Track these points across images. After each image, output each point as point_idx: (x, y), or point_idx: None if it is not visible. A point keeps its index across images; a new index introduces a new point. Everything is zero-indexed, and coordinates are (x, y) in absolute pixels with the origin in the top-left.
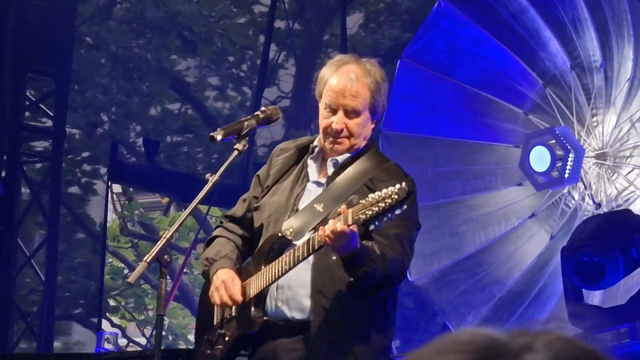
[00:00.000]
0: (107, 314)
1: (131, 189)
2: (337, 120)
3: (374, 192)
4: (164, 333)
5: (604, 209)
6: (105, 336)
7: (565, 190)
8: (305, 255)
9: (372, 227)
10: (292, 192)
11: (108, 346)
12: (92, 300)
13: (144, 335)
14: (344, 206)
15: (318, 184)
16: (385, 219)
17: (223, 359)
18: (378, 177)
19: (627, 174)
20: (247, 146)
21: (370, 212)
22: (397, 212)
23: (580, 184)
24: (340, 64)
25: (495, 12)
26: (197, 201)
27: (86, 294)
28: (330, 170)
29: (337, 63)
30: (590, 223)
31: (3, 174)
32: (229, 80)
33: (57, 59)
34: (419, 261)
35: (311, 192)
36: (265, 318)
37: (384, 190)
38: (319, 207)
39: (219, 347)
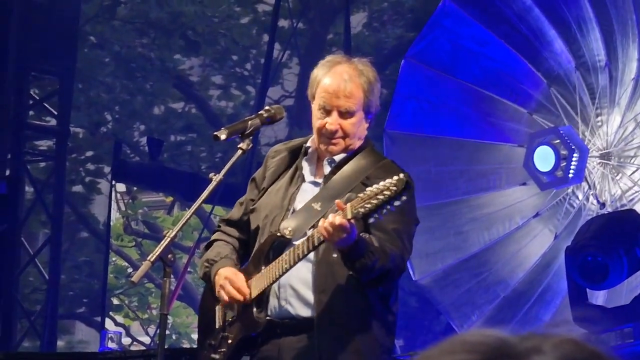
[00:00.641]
0: (110, 312)
1: (135, 188)
2: (332, 121)
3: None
4: (167, 332)
5: (608, 209)
6: (109, 335)
7: (570, 190)
8: (306, 252)
9: (371, 220)
10: (286, 193)
11: (111, 345)
12: (96, 299)
13: (147, 334)
14: (338, 201)
15: (315, 184)
16: (384, 211)
17: None
18: (375, 174)
19: (631, 174)
20: (251, 145)
21: (369, 205)
22: (397, 203)
23: (584, 184)
24: (333, 65)
25: (499, 12)
26: (201, 200)
27: (90, 292)
28: (327, 169)
29: (329, 64)
30: (595, 223)
31: (7, 172)
32: (232, 80)
33: (61, 58)
34: (422, 260)
35: (307, 192)
36: (268, 318)
37: (382, 183)
38: (317, 206)
39: (222, 350)
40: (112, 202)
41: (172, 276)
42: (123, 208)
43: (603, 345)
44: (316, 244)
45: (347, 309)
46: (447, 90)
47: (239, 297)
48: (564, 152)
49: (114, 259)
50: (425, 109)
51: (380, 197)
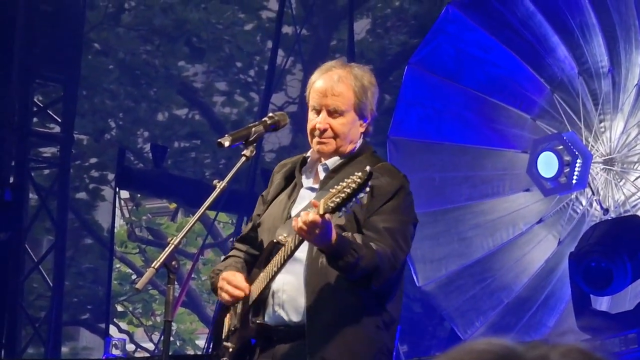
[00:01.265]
0: (114, 319)
1: (139, 195)
2: (320, 120)
3: (369, 193)
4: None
5: (612, 215)
6: (113, 342)
7: (573, 196)
8: (289, 253)
9: (340, 214)
10: (287, 202)
11: (116, 352)
12: (100, 305)
13: (151, 340)
14: (313, 200)
15: (311, 189)
16: (351, 204)
17: None
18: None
19: (634, 180)
20: (254, 152)
21: (337, 200)
22: (361, 195)
23: (587, 190)
24: (327, 69)
25: (502, 18)
26: (205, 207)
27: (94, 299)
28: (322, 175)
29: (324, 68)
30: (598, 229)
31: (11, 179)
32: (236, 86)
33: (65, 65)
34: (426, 266)
35: (304, 198)
36: (259, 322)
37: (350, 177)
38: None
39: (225, 359)
40: (116, 209)
41: (176, 283)
42: (127, 215)
43: (609, 354)
44: (297, 244)
45: (338, 309)
46: (450, 97)
47: (238, 293)
48: (567, 158)
49: (118, 265)
50: (428, 115)
51: (347, 190)
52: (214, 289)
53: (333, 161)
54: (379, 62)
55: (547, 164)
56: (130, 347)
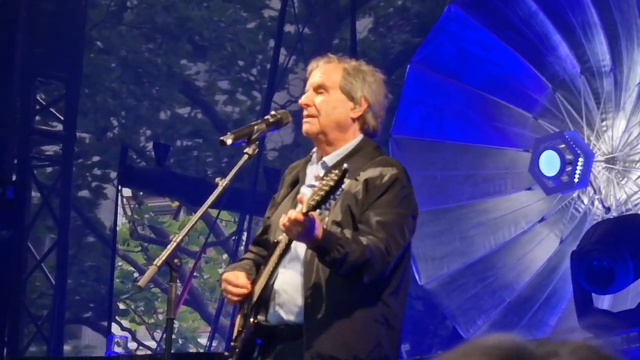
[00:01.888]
0: (117, 317)
1: (141, 193)
2: (304, 96)
3: (363, 186)
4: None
5: (614, 213)
6: (115, 340)
7: (575, 195)
8: (282, 251)
9: (320, 211)
10: (292, 202)
11: (118, 350)
12: (102, 303)
13: (153, 338)
14: (299, 196)
15: (311, 187)
16: (329, 201)
17: None
18: (368, 170)
19: (636, 179)
20: (257, 150)
21: (318, 197)
22: (338, 193)
23: (589, 189)
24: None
25: (504, 17)
26: (207, 205)
27: (96, 297)
28: (321, 172)
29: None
30: (600, 227)
31: (13, 177)
32: (238, 85)
33: (68, 63)
34: (428, 265)
35: (306, 195)
36: (260, 321)
37: (329, 175)
38: None
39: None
40: (119, 207)
41: (178, 281)
42: (129, 213)
43: (618, 351)
44: (289, 241)
45: (334, 305)
46: (452, 95)
47: (240, 291)
48: (569, 156)
49: (120, 263)
50: (431, 113)
51: (325, 188)
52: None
53: (332, 157)
54: (381, 60)
55: (549, 163)
56: (132, 345)
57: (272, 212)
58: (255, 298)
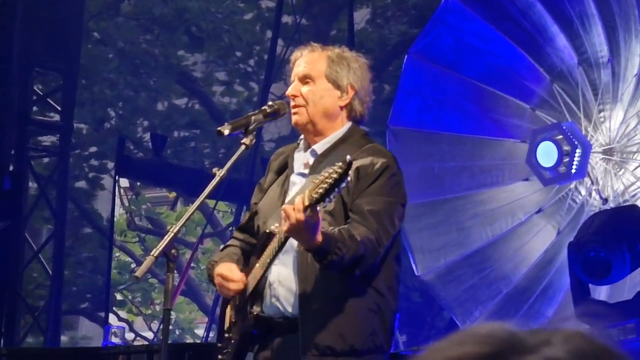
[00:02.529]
0: (114, 308)
1: (138, 184)
2: (290, 87)
3: (354, 174)
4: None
5: (611, 205)
6: (112, 330)
7: (572, 186)
8: (280, 245)
9: (324, 204)
10: (281, 190)
11: (115, 340)
12: (99, 294)
13: (150, 329)
14: (306, 192)
15: (302, 175)
16: (333, 195)
17: None
18: (358, 158)
19: (634, 170)
20: (254, 141)
21: (320, 190)
22: (343, 185)
23: (587, 180)
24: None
25: (502, 8)
26: (204, 196)
27: (93, 288)
28: (311, 160)
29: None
30: (597, 218)
31: (10, 168)
32: (236, 76)
33: (65, 54)
34: (425, 256)
35: (296, 184)
36: (256, 313)
37: (331, 167)
38: None
39: (228, 350)
40: (116, 198)
41: (175, 271)
42: (126, 204)
43: (611, 340)
44: (283, 240)
45: (328, 296)
46: (450, 86)
47: (236, 287)
48: (566, 147)
49: (117, 254)
50: (428, 105)
51: (329, 180)
52: (211, 279)
53: (321, 145)
54: (379, 52)
55: (547, 154)
56: (129, 335)
57: (258, 198)
58: (250, 290)
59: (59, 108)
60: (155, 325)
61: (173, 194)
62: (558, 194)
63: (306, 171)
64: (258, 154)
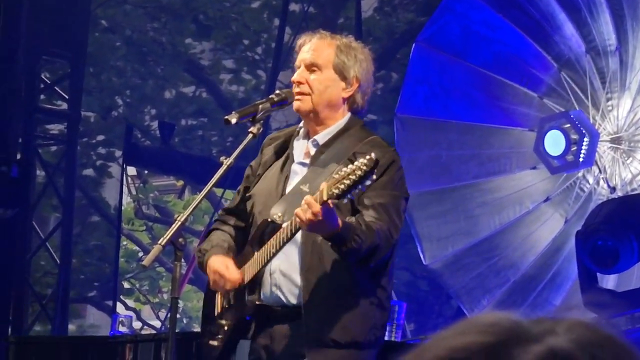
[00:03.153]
0: (121, 296)
1: (146, 172)
2: (296, 73)
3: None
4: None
5: (619, 193)
6: (120, 319)
7: (580, 174)
8: (289, 236)
9: (345, 200)
10: (280, 177)
11: (122, 329)
12: (107, 283)
13: (158, 318)
14: (324, 183)
15: (303, 164)
16: (356, 191)
17: (224, 347)
18: (361, 150)
19: None
20: (261, 129)
21: (342, 186)
22: (368, 182)
23: (594, 168)
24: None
25: None
26: (211, 184)
27: (101, 276)
28: (312, 150)
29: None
30: (605, 207)
31: (18, 156)
32: (243, 64)
33: (73, 42)
34: (433, 244)
35: (297, 173)
36: (257, 302)
37: (355, 163)
38: (305, 188)
39: (220, 336)
40: (123, 186)
41: (182, 260)
42: (134, 192)
43: (615, 328)
44: (294, 231)
45: (333, 288)
46: (457, 74)
47: (230, 287)
48: (574, 136)
49: (124, 243)
50: (436, 93)
51: (352, 177)
52: (202, 268)
53: (322, 136)
54: (386, 40)
55: (554, 142)
56: (137, 324)
57: (251, 182)
58: (248, 279)
59: (67, 96)
60: (162, 313)
61: (180, 182)
62: (566, 183)
63: (307, 160)
64: None
